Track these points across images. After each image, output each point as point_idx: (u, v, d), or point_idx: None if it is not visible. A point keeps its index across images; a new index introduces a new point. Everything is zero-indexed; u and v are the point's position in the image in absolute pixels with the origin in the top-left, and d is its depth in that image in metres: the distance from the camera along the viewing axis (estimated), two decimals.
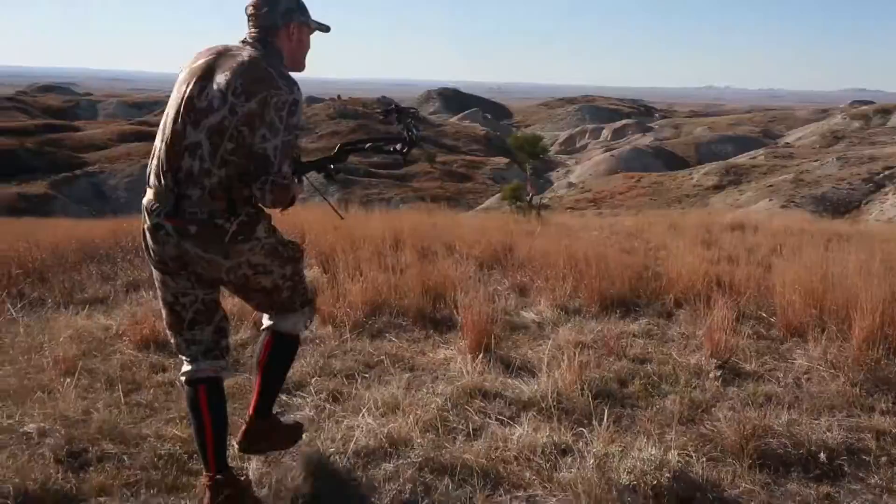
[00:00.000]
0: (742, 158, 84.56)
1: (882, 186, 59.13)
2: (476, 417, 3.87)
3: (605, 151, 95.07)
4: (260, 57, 2.88)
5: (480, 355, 4.67)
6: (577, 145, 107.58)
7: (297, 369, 4.65)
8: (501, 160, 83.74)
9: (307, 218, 8.10)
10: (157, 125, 2.97)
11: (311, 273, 6.52)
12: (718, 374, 4.44)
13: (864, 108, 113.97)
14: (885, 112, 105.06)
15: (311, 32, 3.10)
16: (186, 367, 3.17)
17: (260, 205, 2.91)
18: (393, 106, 3.48)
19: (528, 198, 14.02)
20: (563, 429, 3.69)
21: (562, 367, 4.28)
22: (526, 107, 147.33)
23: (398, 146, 3.41)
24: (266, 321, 3.29)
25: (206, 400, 3.09)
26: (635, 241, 9.91)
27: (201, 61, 2.91)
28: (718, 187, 71.13)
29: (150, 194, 2.92)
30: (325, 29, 3.11)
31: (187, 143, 2.81)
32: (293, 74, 2.97)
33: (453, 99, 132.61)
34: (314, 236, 7.72)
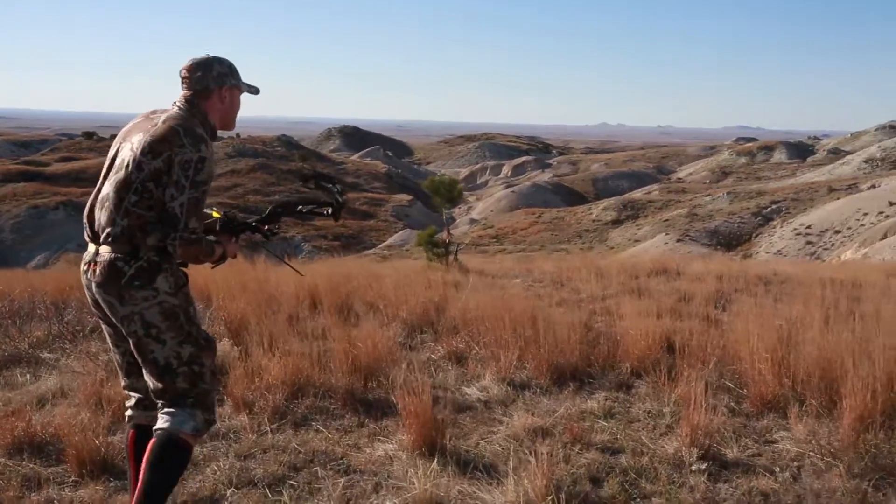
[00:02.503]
0: (638, 193, 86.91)
1: (770, 220, 61.50)
2: None
3: (506, 188, 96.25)
4: (176, 118, 3.01)
5: (427, 452, 3.98)
6: (478, 182, 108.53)
7: (209, 477, 3.86)
8: (404, 197, 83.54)
9: (213, 277, 7.24)
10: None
11: (221, 346, 5.69)
12: (703, 466, 3.86)
13: (749, 144, 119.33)
14: (768, 149, 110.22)
15: (241, 94, 3.26)
16: (127, 407, 3.35)
17: (172, 258, 2.99)
18: (313, 172, 3.54)
19: (445, 242, 13.42)
20: None
21: (529, 468, 3.61)
22: (426, 144, 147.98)
23: (328, 210, 3.46)
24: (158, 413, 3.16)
25: (132, 446, 3.24)
26: (564, 291, 9.41)
27: (129, 124, 3.14)
28: (617, 222, 72.69)
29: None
30: (255, 91, 3.30)
31: (101, 196, 3.02)
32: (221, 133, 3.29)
33: (354, 136, 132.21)
34: (221, 300, 6.87)
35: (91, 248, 3.04)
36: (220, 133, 3.26)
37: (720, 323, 6.85)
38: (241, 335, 5.89)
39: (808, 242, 52.61)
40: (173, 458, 3.04)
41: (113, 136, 3.28)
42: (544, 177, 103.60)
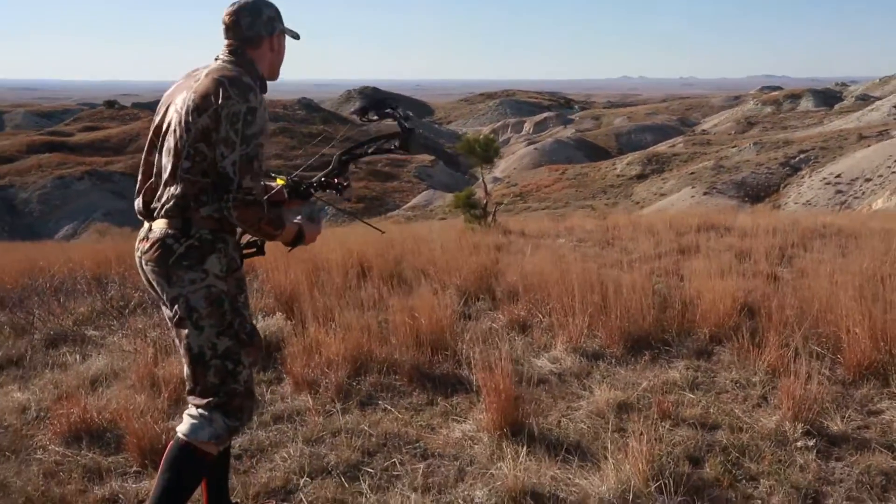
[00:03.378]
0: (662, 147, 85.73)
1: (798, 170, 60.41)
2: None
3: (529, 145, 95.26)
4: (220, 69, 2.75)
5: (510, 433, 3.72)
6: (500, 139, 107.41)
7: (280, 465, 3.63)
8: (426, 158, 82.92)
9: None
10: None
11: (275, 321, 5.45)
12: (810, 443, 3.58)
13: (774, 93, 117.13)
14: (794, 97, 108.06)
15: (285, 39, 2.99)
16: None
17: (227, 238, 2.78)
18: (364, 105, 3.12)
19: (483, 204, 13.08)
20: None
21: (626, 450, 3.34)
22: (446, 103, 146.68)
23: (395, 144, 3.14)
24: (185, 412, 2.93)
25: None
26: (614, 251, 9.09)
27: (172, 87, 2.87)
28: (642, 176, 71.82)
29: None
30: (296, 36, 3.00)
31: (154, 168, 2.79)
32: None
33: (373, 97, 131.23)
34: (268, 271, 6.62)
35: (145, 224, 2.83)
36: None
37: (787, 281, 6.52)
38: (294, 308, 5.64)
39: (839, 192, 51.68)
40: (186, 466, 2.81)
41: (135, 105, 2.93)
42: (567, 132, 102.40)
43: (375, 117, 3.13)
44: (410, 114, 3.24)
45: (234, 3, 2.81)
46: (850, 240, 10.17)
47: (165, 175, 2.70)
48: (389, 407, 4.24)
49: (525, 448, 3.53)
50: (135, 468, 3.69)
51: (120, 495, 3.43)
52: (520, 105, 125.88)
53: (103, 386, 4.79)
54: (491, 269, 6.86)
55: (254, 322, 2.96)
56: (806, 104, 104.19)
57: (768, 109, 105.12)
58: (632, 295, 5.26)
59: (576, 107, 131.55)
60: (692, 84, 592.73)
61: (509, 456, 3.44)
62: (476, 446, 3.70)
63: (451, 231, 11.95)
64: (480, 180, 15.30)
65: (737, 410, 4.00)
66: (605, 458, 3.39)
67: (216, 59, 2.83)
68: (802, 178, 58.11)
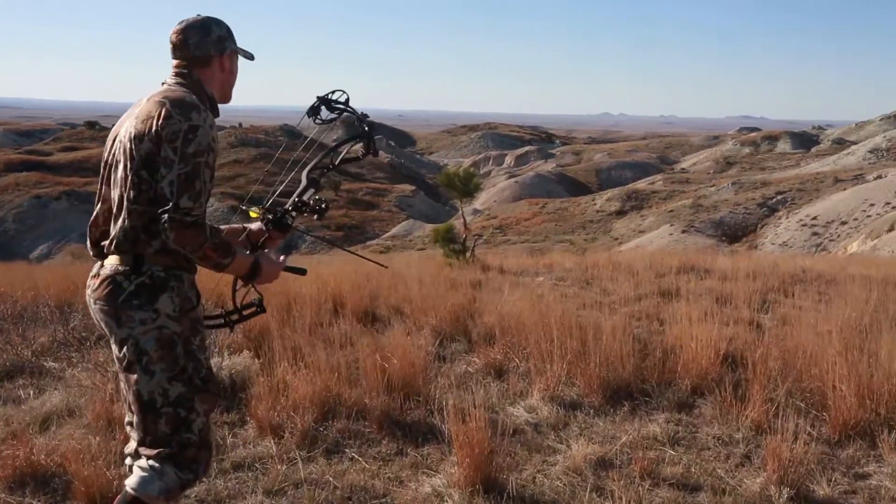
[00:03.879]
0: (642, 184, 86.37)
1: (775, 210, 60.96)
2: None
3: (510, 178, 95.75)
4: (163, 92, 2.61)
5: (482, 489, 3.53)
6: (481, 171, 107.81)
7: None
8: (406, 187, 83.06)
9: (226, 279, 6.76)
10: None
11: (241, 359, 5.22)
12: None
13: (753, 134, 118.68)
14: (772, 139, 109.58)
15: (238, 59, 2.84)
16: (125, 453, 2.83)
17: (182, 276, 2.61)
18: (314, 105, 3.02)
19: (462, 239, 12.95)
20: None
21: None
22: (429, 133, 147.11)
23: (362, 153, 3.11)
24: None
25: None
26: (593, 292, 8.96)
27: (122, 118, 2.71)
28: (621, 213, 72.21)
29: None
30: (250, 56, 2.86)
31: (103, 201, 2.67)
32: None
33: (357, 127, 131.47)
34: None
35: (97, 262, 2.68)
36: (220, 122, 2.79)
37: (769, 329, 6.39)
38: (262, 345, 5.42)
39: (815, 234, 52.17)
40: None
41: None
42: (547, 167, 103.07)
43: (331, 115, 3.03)
44: (367, 114, 3.15)
45: (181, 22, 2.69)
46: (829, 285, 10.13)
47: (115, 208, 2.58)
48: (356, 456, 4.03)
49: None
50: None
51: None
52: (501, 138, 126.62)
53: (55, 425, 4.54)
54: (468, 308, 6.70)
55: (210, 366, 2.76)
56: (783, 146, 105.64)
57: (746, 150, 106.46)
58: (612, 341, 5.11)
59: (557, 142, 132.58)
60: (672, 122, 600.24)
61: None
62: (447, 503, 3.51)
63: (430, 264, 11.81)
64: (460, 213, 15.20)
65: (719, 470, 3.83)
66: None
67: (163, 84, 2.69)
68: (779, 219, 58.63)
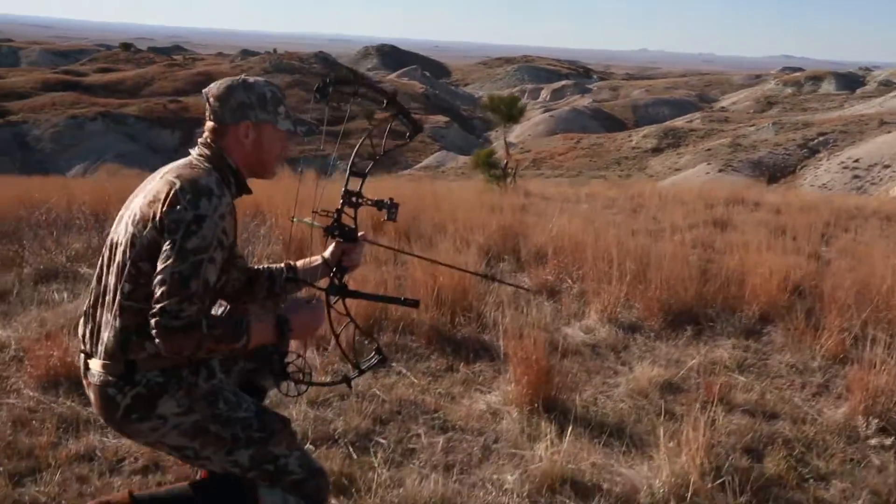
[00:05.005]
0: (679, 122, 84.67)
1: (816, 152, 59.50)
2: None
3: (545, 112, 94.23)
4: (180, 168, 2.23)
5: (541, 408, 3.28)
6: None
7: None
8: (441, 118, 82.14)
9: (268, 191, 6.52)
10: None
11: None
12: (887, 441, 3.13)
13: (796, 74, 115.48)
14: (816, 79, 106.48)
15: (282, 134, 2.35)
16: None
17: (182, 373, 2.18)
18: (324, 82, 2.47)
19: (503, 165, 12.58)
20: None
21: (679, 440, 2.90)
22: (464, 65, 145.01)
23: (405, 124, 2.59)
24: None
25: None
26: (640, 219, 8.61)
27: (136, 191, 2.32)
28: (657, 150, 70.92)
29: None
30: (304, 132, 2.45)
31: (100, 288, 2.23)
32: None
33: (391, 56, 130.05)
34: (276, 217, 6.17)
35: (80, 354, 2.26)
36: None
37: (832, 262, 6.05)
38: (302, 255, 5.18)
39: (856, 176, 50.89)
40: None
41: (151, 49, 2.24)
42: (583, 102, 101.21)
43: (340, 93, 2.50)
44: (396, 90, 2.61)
45: (221, 80, 2.31)
46: (888, 222, 9.72)
47: (107, 298, 2.17)
48: (405, 371, 3.80)
49: (557, 426, 3.10)
50: None
51: (97, 451, 3.02)
52: (538, 72, 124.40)
53: None
54: (515, 228, 6.40)
55: (257, 407, 2.30)
56: (827, 87, 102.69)
57: (789, 90, 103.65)
58: (672, 263, 4.80)
59: (594, 76, 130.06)
60: (711, 61, 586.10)
61: (542, 436, 3.00)
62: (503, 421, 3.27)
63: (469, 190, 11.48)
64: (502, 140, 14.80)
65: (796, 398, 3.56)
66: (655, 445, 2.95)
67: (192, 149, 2.31)
68: (820, 160, 57.24)
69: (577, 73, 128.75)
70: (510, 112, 13.64)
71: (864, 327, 4.23)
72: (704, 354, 4.02)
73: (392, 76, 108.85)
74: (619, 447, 3.06)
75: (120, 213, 2.26)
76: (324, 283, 2.52)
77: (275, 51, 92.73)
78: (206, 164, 2.23)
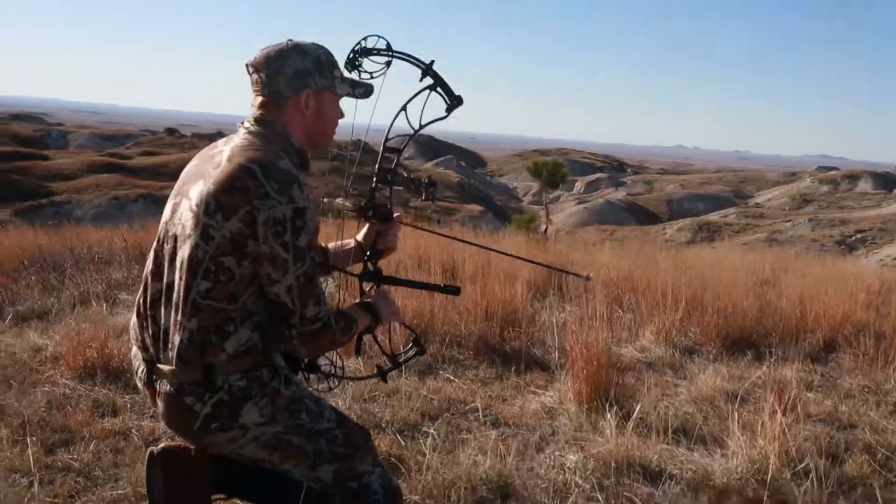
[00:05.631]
0: (714, 216, 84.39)
1: (854, 249, 58.71)
2: None
3: (579, 204, 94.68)
4: (247, 149, 1.96)
5: (600, 406, 3.09)
6: (551, 196, 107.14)
7: None
8: (475, 207, 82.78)
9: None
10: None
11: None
12: None
13: (833, 172, 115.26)
14: (853, 178, 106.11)
15: (340, 99, 2.13)
16: None
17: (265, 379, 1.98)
18: (357, 52, 2.28)
19: (543, 229, 12.53)
20: None
21: (754, 432, 2.70)
22: (499, 156, 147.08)
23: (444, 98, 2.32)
24: None
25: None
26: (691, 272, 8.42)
27: (186, 170, 2.08)
28: (692, 243, 70.57)
29: (133, 349, 2.07)
30: (362, 92, 2.15)
31: (159, 285, 1.97)
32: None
33: (428, 146, 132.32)
34: None
35: (136, 359, 2.06)
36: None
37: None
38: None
39: None
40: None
41: (195, 135, 1.96)
42: (618, 195, 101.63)
43: (378, 67, 2.27)
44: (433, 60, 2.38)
45: (261, 49, 2.09)
46: None
47: (175, 297, 1.96)
48: (452, 377, 3.63)
49: (621, 424, 2.90)
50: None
51: (132, 430, 2.88)
52: (572, 164, 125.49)
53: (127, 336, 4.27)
54: (560, 266, 6.25)
55: (340, 417, 2.14)
56: (864, 185, 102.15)
57: (825, 188, 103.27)
58: (731, 292, 4.62)
59: (629, 170, 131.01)
60: (747, 158, 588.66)
61: (604, 428, 2.81)
62: (560, 418, 3.08)
63: (512, 244, 11.41)
64: (543, 205, 14.80)
65: (872, 413, 3.32)
66: (725, 439, 2.75)
67: (241, 125, 2.10)
68: (858, 258, 56.52)
69: (612, 167, 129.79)
70: (552, 178, 13.65)
71: None
72: (768, 373, 3.81)
73: (428, 165, 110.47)
74: (687, 442, 2.85)
75: (171, 201, 2.04)
76: (357, 268, 2.39)
77: None
78: (272, 145, 2.01)
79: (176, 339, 1.91)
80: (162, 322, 1.95)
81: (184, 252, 1.91)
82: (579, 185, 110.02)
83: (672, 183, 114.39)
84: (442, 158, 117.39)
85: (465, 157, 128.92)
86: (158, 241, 2.02)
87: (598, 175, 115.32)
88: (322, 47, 2.11)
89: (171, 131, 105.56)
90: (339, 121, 2.16)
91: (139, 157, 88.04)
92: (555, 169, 12.89)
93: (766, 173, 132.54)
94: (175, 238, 1.95)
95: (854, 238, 61.14)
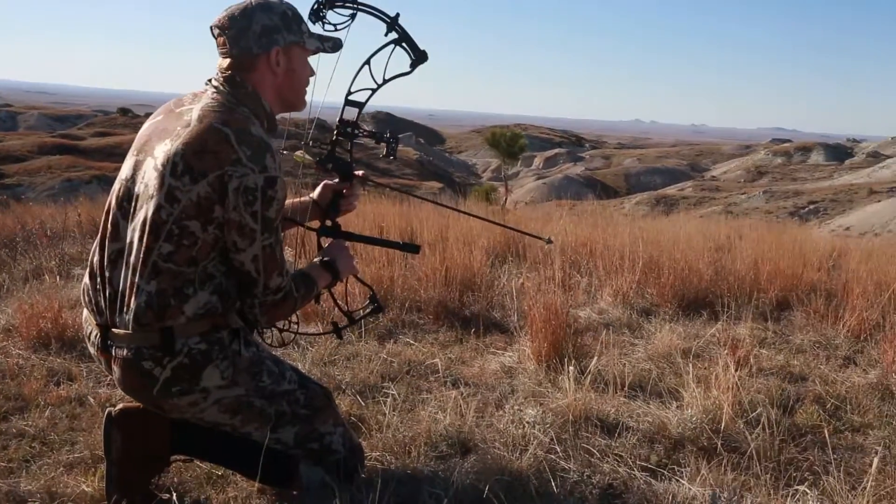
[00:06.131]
0: (671, 189, 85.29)
1: (807, 220, 59.74)
2: (609, 464, 2.31)
3: (538, 179, 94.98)
4: (217, 110, 1.92)
5: (559, 364, 3.12)
6: (510, 172, 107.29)
7: None
8: (435, 184, 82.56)
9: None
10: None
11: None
12: None
13: (786, 145, 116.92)
14: (806, 150, 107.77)
15: (311, 54, 2.11)
16: None
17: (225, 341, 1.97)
18: (321, 3, 2.20)
19: (502, 201, 12.55)
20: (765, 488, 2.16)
21: (707, 385, 2.75)
22: (458, 133, 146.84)
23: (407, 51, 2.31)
24: None
25: None
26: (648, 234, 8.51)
27: (147, 125, 2.04)
28: (649, 217, 71.34)
29: (84, 313, 2.09)
30: (331, 47, 2.12)
31: (117, 245, 1.93)
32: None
33: (386, 122, 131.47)
34: None
35: (89, 322, 2.03)
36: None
37: (849, 271, 5.95)
38: (305, 244, 5.05)
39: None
40: (269, 468, 2.10)
41: (148, 114, 2.07)
42: (576, 170, 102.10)
43: (342, 20, 2.20)
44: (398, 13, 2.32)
45: (226, 8, 2.01)
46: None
47: (133, 258, 1.88)
48: (412, 341, 3.64)
49: (579, 380, 2.93)
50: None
51: (89, 397, 2.84)
52: (531, 140, 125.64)
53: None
54: (519, 236, 6.28)
55: (301, 378, 2.15)
56: (817, 157, 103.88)
57: (779, 160, 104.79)
58: (688, 254, 4.69)
59: (587, 145, 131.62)
60: (703, 132, 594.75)
61: (562, 383, 2.84)
62: (519, 377, 3.11)
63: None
64: (503, 179, 14.81)
65: (822, 367, 3.40)
66: (680, 391, 2.80)
67: (208, 83, 2.03)
68: (811, 228, 57.57)
69: (570, 142, 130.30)
70: (511, 149, 13.65)
71: (884, 314, 4.11)
72: (723, 331, 3.87)
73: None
74: (643, 396, 2.90)
75: (132, 157, 1.98)
76: (315, 224, 2.38)
77: None
78: (242, 108, 1.96)
79: (132, 301, 1.86)
80: (119, 284, 1.90)
81: (146, 212, 1.86)
82: (538, 161, 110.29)
83: (629, 157, 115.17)
84: (401, 136, 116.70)
85: (424, 133, 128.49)
86: (117, 199, 1.96)
87: (556, 150, 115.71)
88: (286, 2, 2.04)
89: (124, 111, 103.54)
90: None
91: (91, 138, 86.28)
92: (513, 140, 12.88)
93: (722, 146, 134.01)
94: (136, 198, 1.90)
95: (807, 209, 62.22)
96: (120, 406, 2.11)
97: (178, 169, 1.84)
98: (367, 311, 2.38)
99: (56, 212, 8.93)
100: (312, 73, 2.10)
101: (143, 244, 1.85)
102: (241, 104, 1.97)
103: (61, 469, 2.28)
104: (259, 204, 1.84)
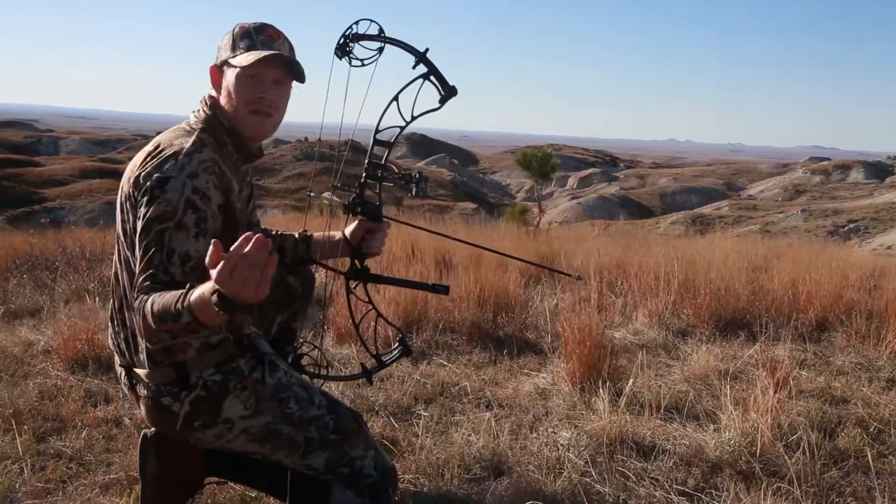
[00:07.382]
0: (707, 209, 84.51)
1: (847, 239, 58.86)
2: (645, 488, 2.27)
3: (572, 199, 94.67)
4: (170, 130, 1.98)
5: (594, 386, 3.09)
6: (543, 192, 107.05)
7: None
8: (469, 205, 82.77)
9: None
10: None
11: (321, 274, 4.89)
12: None
13: (825, 163, 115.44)
14: (845, 168, 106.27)
15: (237, 71, 1.97)
16: None
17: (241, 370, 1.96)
18: (347, 37, 2.19)
19: (535, 221, 12.54)
20: None
21: (746, 407, 2.70)
22: (492, 154, 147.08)
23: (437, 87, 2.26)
24: None
25: None
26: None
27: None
28: (685, 236, 70.67)
29: (115, 356, 2.06)
30: (275, 57, 1.97)
31: (121, 289, 1.96)
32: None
33: (420, 144, 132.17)
34: None
35: (119, 367, 2.03)
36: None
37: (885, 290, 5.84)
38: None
39: None
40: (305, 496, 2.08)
41: None
42: (611, 189, 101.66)
43: (370, 53, 2.18)
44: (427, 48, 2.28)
45: None
46: None
47: (130, 299, 1.88)
48: (445, 362, 3.63)
49: (613, 402, 2.89)
50: None
51: (125, 419, 2.86)
52: (565, 160, 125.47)
53: None
54: (550, 256, 6.26)
55: (330, 402, 2.11)
56: (856, 175, 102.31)
57: (817, 179, 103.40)
58: (723, 271, 4.63)
59: (621, 165, 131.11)
60: (739, 150, 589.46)
61: (597, 405, 2.81)
62: (553, 398, 3.08)
63: (504, 236, 11.41)
64: (536, 200, 14.81)
65: (865, 389, 3.33)
66: (717, 413, 2.75)
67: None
68: (851, 247, 56.68)
69: (604, 162, 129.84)
70: (542, 168, 13.66)
71: None
72: (761, 352, 3.81)
73: (421, 164, 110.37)
74: (680, 418, 2.86)
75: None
76: (342, 263, 2.34)
77: (306, 139, 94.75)
78: (193, 126, 1.98)
79: (143, 341, 1.88)
80: (130, 325, 1.93)
81: (116, 250, 1.93)
82: (572, 181, 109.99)
83: (665, 177, 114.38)
84: (435, 156, 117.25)
85: (458, 154, 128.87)
86: (116, 238, 1.98)
87: (590, 170, 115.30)
88: (250, 24, 2.00)
89: None
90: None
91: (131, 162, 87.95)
92: (544, 160, 12.90)
93: (759, 165, 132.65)
94: (117, 238, 1.95)
95: (847, 228, 61.25)
96: (155, 429, 2.13)
97: (122, 199, 1.89)
98: (396, 354, 2.36)
99: (96, 235, 9.08)
100: (263, 90, 1.98)
101: (125, 282, 1.90)
102: (201, 122, 1.99)
103: (97, 490, 2.30)
104: (145, 201, 1.79)
